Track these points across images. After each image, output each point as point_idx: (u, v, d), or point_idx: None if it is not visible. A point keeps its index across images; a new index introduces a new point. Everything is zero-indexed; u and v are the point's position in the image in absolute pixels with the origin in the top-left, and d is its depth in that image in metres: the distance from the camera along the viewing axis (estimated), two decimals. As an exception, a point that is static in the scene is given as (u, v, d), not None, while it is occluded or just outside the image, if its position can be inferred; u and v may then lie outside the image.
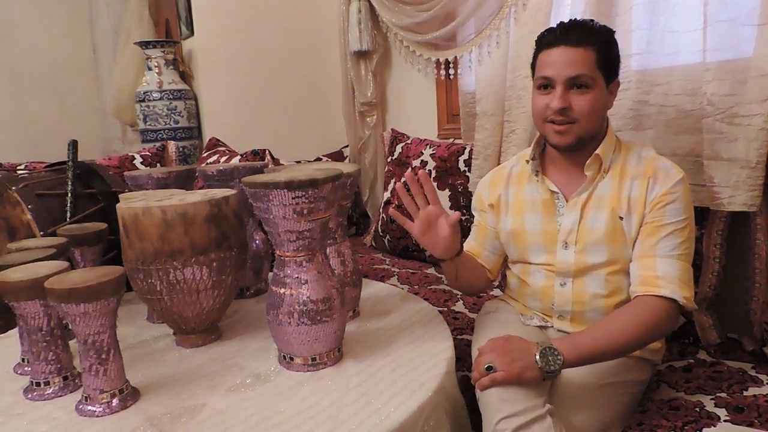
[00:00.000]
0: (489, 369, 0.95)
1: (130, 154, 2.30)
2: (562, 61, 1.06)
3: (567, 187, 1.15)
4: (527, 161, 1.20)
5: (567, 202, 1.14)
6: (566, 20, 1.11)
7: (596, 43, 1.06)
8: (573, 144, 1.09)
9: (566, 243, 1.13)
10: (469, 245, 1.31)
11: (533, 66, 1.15)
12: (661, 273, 1.03)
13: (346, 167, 1.14)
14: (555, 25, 1.11)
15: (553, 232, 1.15)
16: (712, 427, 0.99)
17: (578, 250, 1.12)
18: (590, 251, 1.11)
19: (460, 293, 1.70)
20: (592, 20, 1.11)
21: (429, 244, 1.13)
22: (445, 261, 1.16)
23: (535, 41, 1.14)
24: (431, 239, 1.12)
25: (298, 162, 2.51)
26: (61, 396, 0.92)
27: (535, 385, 0.95)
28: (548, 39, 1.10)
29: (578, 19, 1.11)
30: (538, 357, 0.94)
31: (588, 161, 1.11)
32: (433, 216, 1.11)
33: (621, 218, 1.09)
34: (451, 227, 1.09)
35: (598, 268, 1.11)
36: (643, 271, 1.05)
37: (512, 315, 1.24)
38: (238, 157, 2.24)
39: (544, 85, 1.10)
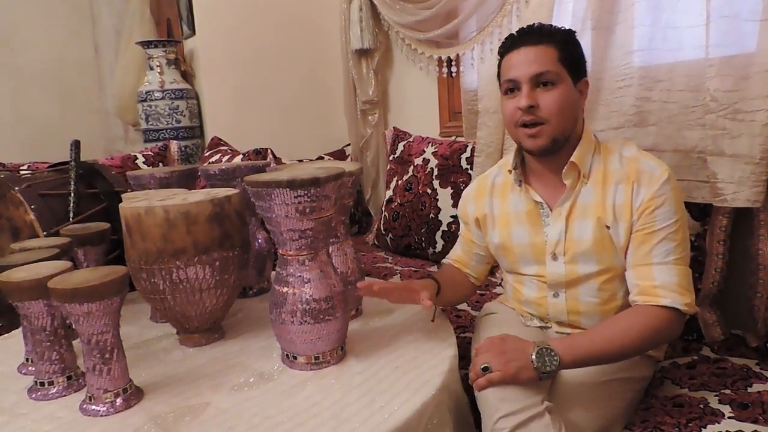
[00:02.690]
0: (485, 369, 0.94)
1: (132, 153, 2.30)
2: (524, 61, 1.06)
3: (550, 196, 1.13)
4: (509, 171, 1.18)
5: (551, 211, 1.13)
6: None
7: (556, 41, 1.07)
8: (547, 146, 1.07)
9: (555, 254, 1.12)
10: (456, 255, 1.32)
11: (499, 75, 1.14)
12: (659, 282, 1.01)
13: (348, 166, 1.14)
14: (514, 32, 1.12)
15: (541, 244, 1.14)
16: (717, 423, 0.98)
17: (568, 261, 1.11)
18: (580, 261, 1.10)
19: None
20: (550, 24, 1.12)
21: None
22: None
23: (498, 51, 1.15)
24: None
25: (300, 161, 2.51)
26: (65, 395, 0.93)
27: (534, 383, 0.94)
28: (508, 44, 1.11)
29: (536, 23, 1.11)
30: (534, 357, 0.94)
31: (564, 169, 1.08)
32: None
33: (608, 227, 1.06)
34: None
35: (590, 278, 1.10)
36: (640, 280, 1.03)
37: (512, 315, 1.24)
38: (240, 156, 2.24)
39: (511, 89, 1.09)
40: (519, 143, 1.12)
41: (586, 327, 1.13)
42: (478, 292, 1.71)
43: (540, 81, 1.05)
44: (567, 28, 1.12)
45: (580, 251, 1.09)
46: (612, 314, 1.10)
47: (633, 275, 1.05)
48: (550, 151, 1.08)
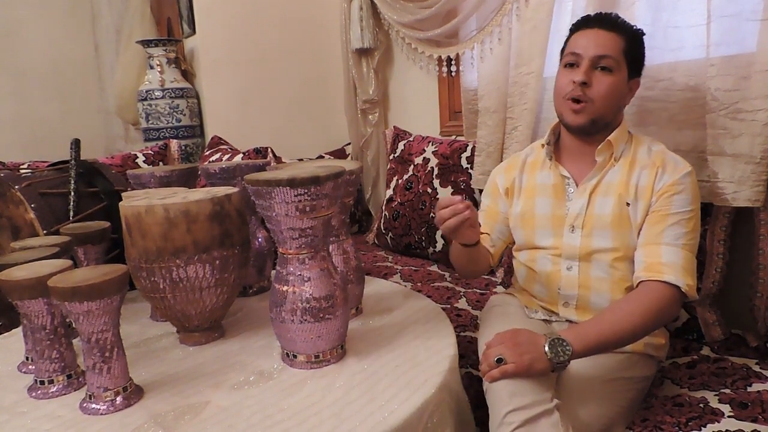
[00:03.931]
0: (499, 361, 0.95)
1: (132, 152, 2.30)
2: (592, 40, 1.12)
3: (579, 173, 1.18)
4: (542, 145, 1.23)
5: (577, 187, 1.17)
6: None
7: (627, 33, 1.13)
8: (586, 125, 1.12)
9: (573, 227, 1.16)
10: None
11: (563, 50, 1.19)
12: (665, 260, 1.04)
13: (348, 165, 1.14)
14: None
15: (562, 216, 1.18)
16: (716, 423, 0.98)
17: (585, 234, 1.14)
18: (596, 236, 1.13)
19: (463, 290, 1.71)
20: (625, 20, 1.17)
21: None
22: (471, 246, 1.16)
23: (570, 28, 1.20)
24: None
25: (301, 160, 2.51)
26: (65, 394, 0.92)
27: (543, 378, 0.95)
28: (582, 21, 1.17)
29: (613, 12, 1.17)
30: (547, 348, 0.95)
31: (599, 146, 1.13)
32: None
33: (628, 204, 1.11)
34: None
35: (603, 252, 1.13)
36: (647, 257, 1.07)
37: (517, 309, 1.26)
38: (241, 155, 2.24)
39: (571, 63, 1.14)
40: (561, 116, 1.17)
41: (594, 308, 1.15)
42: (478, 291, 1.72)
43: (600, 64, 1.11)
44: (639, 27, 1.17)
45: (598, 225, 1.13)
46: (621, 296, 1.12)
47: (641, 253, 1.09)
48: (587, 130, 1.14)
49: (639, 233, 1.10)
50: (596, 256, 1.14)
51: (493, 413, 0.95)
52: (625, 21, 1.15)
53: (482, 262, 1.28)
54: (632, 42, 1.13)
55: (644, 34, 1.17)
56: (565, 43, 1.19)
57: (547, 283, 1.20)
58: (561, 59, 1.19)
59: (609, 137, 1.13)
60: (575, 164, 1.19)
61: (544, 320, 1.22)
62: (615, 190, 1.13)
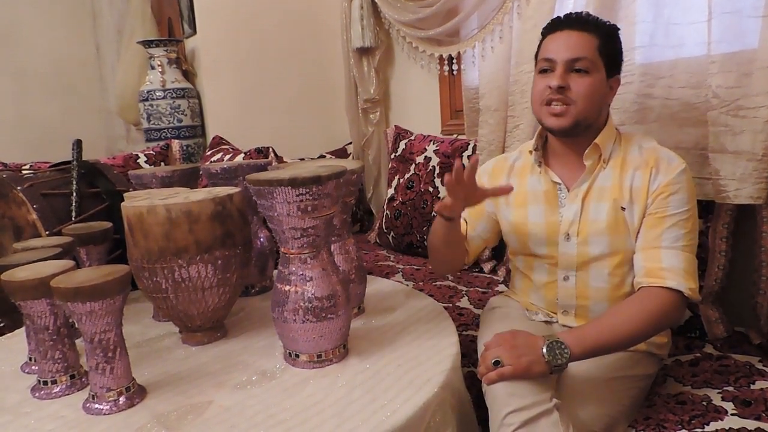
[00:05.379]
0: (496, 363, 0.95)
1: (134, 153, 2.31)
2: (564, 43, 1.08)
3: (569, 178, 1.16)
4: (530, 152, 1.20)
5: (569, 192, 1.15)
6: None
7: (599, 30, 1.09)
8: (569, 127, 1.08)
9: (568, 235, 1.14)
10: None
11: (537, 56, 1.16)
12: (666, 264, 1.03)
13: (349, 164, 1.14)
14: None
15: (555, 224, 1.15)
16: (719, 420, 0.98)
17: (580, 242, 1.12)
18: (592, 243, 1.11)
19: (465, 289, 1.71)
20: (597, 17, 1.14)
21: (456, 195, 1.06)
22: (452, 219, 1.12)
23: (541, 32, 1.16)
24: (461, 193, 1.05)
25: (302, 159, 2.51)
26: (68, 394, 0.93)
27: (543, 379, 0.95)
28: (552, 25, 1.13)
29: (583, 11, 1.14)
30: (545, 351, 0.94)
31: (587, 150, 1.11)
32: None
33: (623, 209, 1.09)
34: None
35: (600, 259, 1.11)
36: (647, 262, 1.05)
37: (517, 310, 1.25)
38: (242, 155, 2.24)
39: (545, 69, 1.11)
40: (541, 122, 1.14)
41: (594, 315, 1.13)
42: (480, 290, 1.72)
43: (575, 66, 1.07)
44: (612, 23, 1.13)
45: (593, 231, 1.11)
46: (620, 301, 1.10)
47: (641, 257, 1.07)
48: (570, 133, 1.10)
49: (636, 236, 1.09)
50: (594, 265, 1.12)
51: (493, 415, 0.95)
52: (597, 18, 1.11)
53: (457, 250, 1.24)
54: (606, 39, 1.09)
55: (618, 30, 1.13)
56: (538, 48, 1.15)
57: (544, 293, 1.19)
58: (535, 66, 1.15)
59: (596, 140, 1.10)
60: (564, 168, 1.16)
61: (545, 322, 1.21)
62: (609, 194, 1.10)
